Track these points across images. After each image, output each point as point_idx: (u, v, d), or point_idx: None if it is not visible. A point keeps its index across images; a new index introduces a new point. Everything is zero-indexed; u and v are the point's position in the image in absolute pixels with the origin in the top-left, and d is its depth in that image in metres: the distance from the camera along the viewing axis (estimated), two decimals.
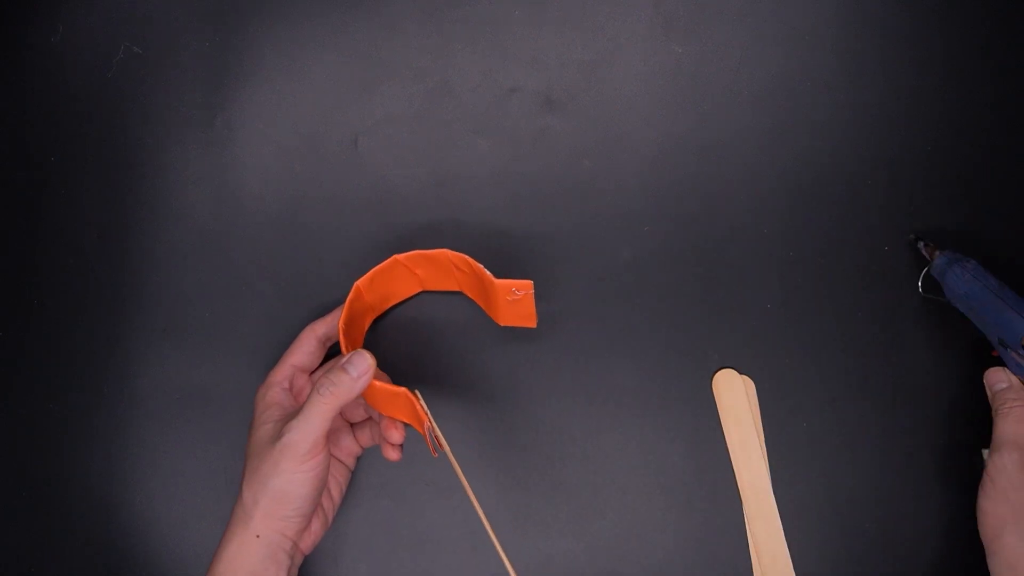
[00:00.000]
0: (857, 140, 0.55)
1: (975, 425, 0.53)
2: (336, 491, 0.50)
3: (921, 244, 0.53)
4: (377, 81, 0.56)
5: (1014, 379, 0.49)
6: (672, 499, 0.52)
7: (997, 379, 0.50)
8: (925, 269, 0.52)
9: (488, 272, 0.48)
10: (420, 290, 0.54)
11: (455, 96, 0.56)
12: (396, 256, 0.50)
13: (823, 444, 0.53)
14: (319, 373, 0.51)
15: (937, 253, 0.51)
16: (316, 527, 0.48)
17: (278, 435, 0.44)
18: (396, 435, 0.47)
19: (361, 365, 0.44)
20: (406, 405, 0.46)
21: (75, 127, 0.56)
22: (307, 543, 0.47)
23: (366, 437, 0.50)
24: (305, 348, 0.50)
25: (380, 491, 0.53)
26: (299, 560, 0.47)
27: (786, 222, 0.55)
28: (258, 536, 0.44)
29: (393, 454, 0.48)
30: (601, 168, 0.55)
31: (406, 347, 0.54)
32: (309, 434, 0.44)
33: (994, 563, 0.45)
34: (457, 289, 0.53)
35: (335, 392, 0.44)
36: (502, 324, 0.51)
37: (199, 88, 0.56)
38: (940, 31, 0.55)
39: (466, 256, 0.49)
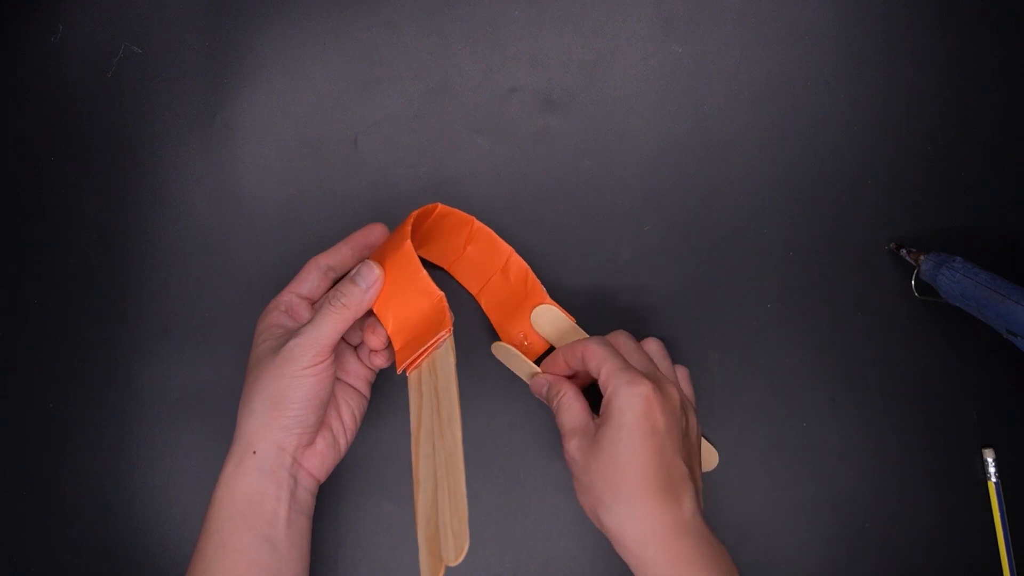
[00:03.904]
0: (857, 140, 0.55)
1: (975, 425, 0.53)
2: (348, 416, 0.48)
3: (904, 252, 0.52)
4: (377, 81, 0.56)
5: (550, 376, 0.48)
6: None
7: (539, 385, 0.48)
8: (915, 271, 0.52)
9: (543, 289, 0.51)
10: (446, 269, 0.54)
11: (455, 96, 0.56)
12: (473, 217, 0.51)
13: (823, 444, 0.53)
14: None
15: (922, 258, 0.51)
16: (322, 447, 0.46)
17: (280, 347, 0.44)
18: (376, 340, 0.47)
19: (369, 277, 0.45)
20: (426, 307, 0.45)
21: (75, 127, 0.56)
22: (314, 464, 0.45)
23: (380, 358, 0.49)
24: (305, 276, 0.48)
25: (380, 491, 0.53)
26: (308, 483, 0.45)
27: (786, 222, 0.55)
28: (255, 452, 0.43)
29: (379, 360, 0.48)
30: (601, 168, 0.55)
31: None
32: (315, 340, 0.43)
33: (614, 547, 0.43)
34: (476, 293, 0.53)
35: (345, 303, 0.44)
36: (504, 343, 0.52)
37: (199, 88, 0.56)
38: (940, 31, 0.55)
39: (529, 268, 0.51)
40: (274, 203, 0.55)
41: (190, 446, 0.53)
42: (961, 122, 0.55)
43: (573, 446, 0.44)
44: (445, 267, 0.54)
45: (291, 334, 0.44)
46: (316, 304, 0.49)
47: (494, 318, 0.53)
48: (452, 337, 0.44)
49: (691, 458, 0.44)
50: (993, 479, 0.52)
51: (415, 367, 0.46)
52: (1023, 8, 0.55)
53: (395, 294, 0.46)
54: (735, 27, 0.56)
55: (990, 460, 0.52)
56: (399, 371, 0.46)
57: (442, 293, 0.45)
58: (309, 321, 0.44)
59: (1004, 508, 0.52)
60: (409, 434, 0.45)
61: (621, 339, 0.47)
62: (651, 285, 0.54)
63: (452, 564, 0.40)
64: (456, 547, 0.41)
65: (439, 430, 0.44)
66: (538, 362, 0.50)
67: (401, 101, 0.56)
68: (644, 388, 0.42)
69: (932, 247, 0.51)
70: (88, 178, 0.56)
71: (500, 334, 0.52)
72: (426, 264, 0.53)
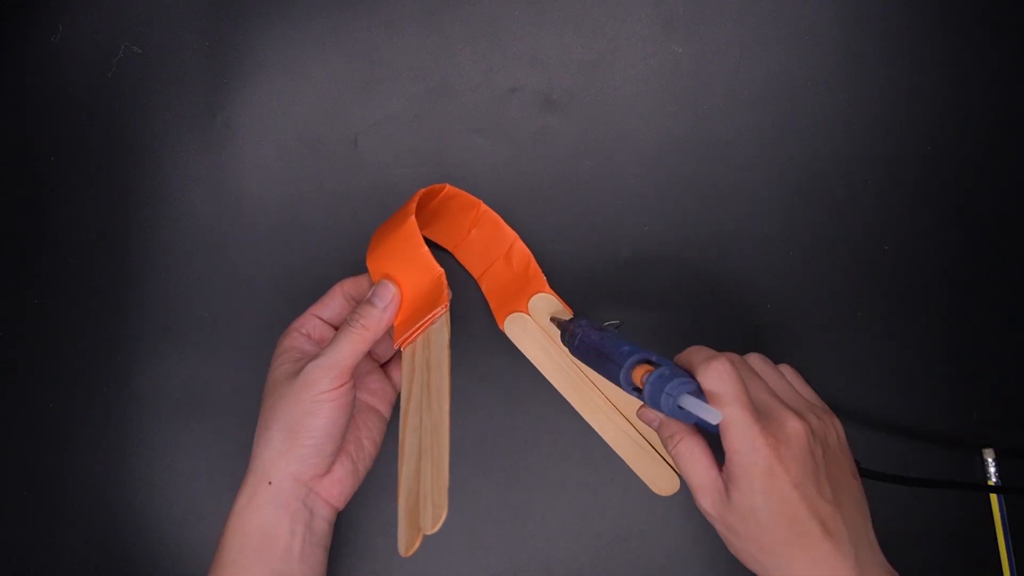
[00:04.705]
0: (857, 140, 0.55)
1: (975, 425, 0.53)
2: (369, 442, 0.47)
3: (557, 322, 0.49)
4: (377, 81, 0.56)
5: (660, 414, 0.43)
6: (672, 499, 0.52)
7: (648, 418, 0.44)
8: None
9: (543, 278, 0.51)
10: (451, 251, 0.54)
11: (455, 96, 0.56)
12: (480, 200, 0.52)
13: None
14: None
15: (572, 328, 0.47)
16: (341, 474, 0.45)
17: (298, 371, 0.43)
18: None
19: (386, 296, 0.45)
20: (426, 283, 0.45)
21: (75, 127, 0.56)
22: (332, 492, 0.44)
23: (399, 375, 0.48)
24: (328, 301, 0.48)
25: (380, 491, 0.53)
26: (325, 512, 0.44)
27: (786, 222, 0.55)
28: (270, 483, 0.42)
29: None
30: (601, 168, 0.55)
31: None
32: (335, 362, 0.42)
33: None
34: (477, 276, 0.53)
35: (364, 324, 0.44)
36: (502, 328, 0.52)
37: (199, 88, 0.56)
38: (940, 31, 0.55)
39: (531, 256, 0.52)
40: (274, 203, 0.55)
41: (190, 446, 0.53)
42: (961, 122, 0.55)
43: (707, 503, 0.41)
44: (449, 249, 0.54)
45: (309, 358, 0.44)
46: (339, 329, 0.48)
47: (494, 303, 0.53)
48: (448, 313, 0.45)
49: (837, 484, 0.40)
50: (993, 479, 0.52)
51: (410, 342, 0.46)
52: (1023, 8, 0.55)
53: (397, 270, 0.46)
54: (735, 27, 0.56)
55: (990, 460, 0.52)
56: (395, 346, 0.46)
57: (442, 270, 0.45)
58: (328, 344, 0.44)
59: (1004, 508, 0.52)
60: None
61: (755, 363, 0.43)
62: (651, 285, 0.54)
63: (429, 532, 0.40)
64: (434, 515, 0.40)
65: (427, 402, 0.43)
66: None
67: (401, 101, 0.56)
68: (765, 451, 0.38)
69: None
70: (88, 178, 0.56)
71: (498, 320, 0.52)
72: (431, 245, 0.53)
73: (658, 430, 0.43)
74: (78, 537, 0.53)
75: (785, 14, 0.56)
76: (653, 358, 0.40)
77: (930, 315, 0.54)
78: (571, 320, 0.47)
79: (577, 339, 0.45)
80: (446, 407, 0.42)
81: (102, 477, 0.53)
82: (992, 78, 0.55)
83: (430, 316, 0.45)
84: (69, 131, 0.56)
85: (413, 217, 0.46)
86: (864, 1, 0.56)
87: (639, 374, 0.40)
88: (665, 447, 0.43)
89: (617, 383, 0.41)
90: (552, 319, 0.49)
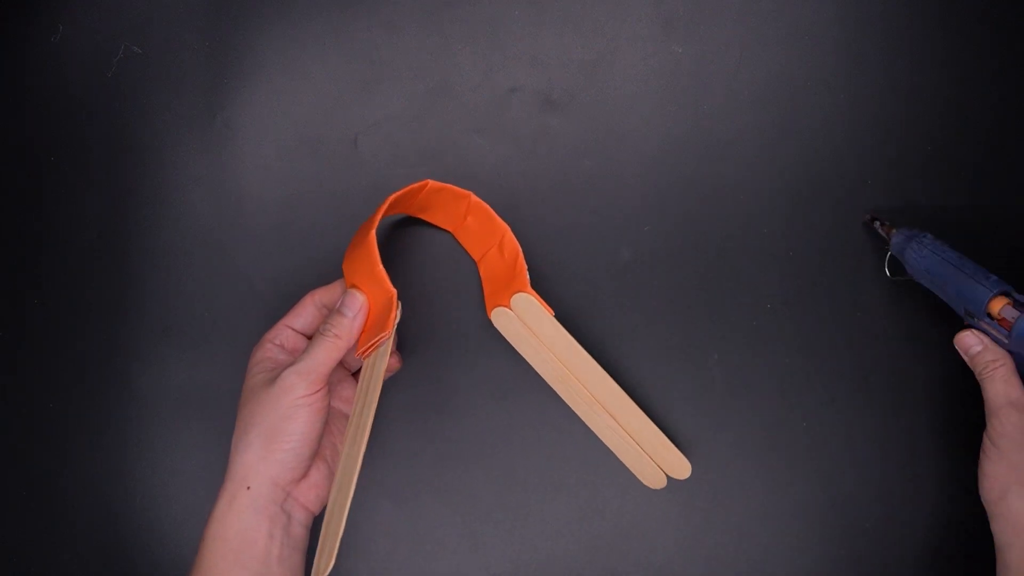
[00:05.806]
0: (857, 140, 0.55)
1: (975, 424, 0.53)
2: (343, 445, 0.48)
3: (877, 224, 0.52)
4: (377, 81, 0.56)
5: (986, 339, 0.47)
6: (672, 499, 0.53)
7: (969, 343, 0.48)
8: (888, 252, 0.52)
9: (527, 276, 0.50)
10: (452, 232, 0.54)
11: (455, 96, 0.56)
12: (470, 192, 0.52)
13: (823, 444, 0.53)
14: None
15: (894, 231, 0.51)
16: (317, 478, 0.46)
17: (275, 379, 0.44)
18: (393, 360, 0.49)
19: (354, 305, 0.46)
20: (382, 299, 0.46)
21: (75, 127, 0.56)
22: (309, 497, 0.45)
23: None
24: (300, 311, 0.49)
25: (380, 491, 0.53)
26: (302, 517, 0.45)
27: (786, 222, 0.55)
28: (249, 488, 0.43)
29: (392, 360, 0.49)
30: (601, 168, 0.55)
31: (408, 347, 0.54)
32: (311, 369, 0.44)
33: (997, 526, 0.45)
34: (477, 259, 0.54)
35: (337, 332, 0.45)
36: (490, 316, 0.52)
37: (199, 88, 0.56)
38: (940, 31, 0.55)
39: (520, 250, 0.51)
40: (274, 203, 0.55)
41: (190, 446, 0.53)
42: (961, 122, 0.55)
43: (1011, 421, 0.45)
44: (451, 231, 0.54)
45: (284, 366, 0.45)
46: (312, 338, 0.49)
47: (487, 290, 0.53)
48: (392, 340, 0.45)
49: None
50: None
51: (368, 354, 0.47)
52: (1023, 8, 0.55)
53: (361, 281, 0.47)
54: (735, 27, 0.56)
55: None
56: (356, 355, 0.47)
57: (394, 291, 0.46)
58: (304, 352, 0.45)
59: None
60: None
61: None
62: (651, 285, 0.54)
63: None
64: (324, 563, 0.41)
65: (351, 436, 0.44)
66: None
67: (401, 101, 0.56)
68: None
69: (906, 221, 0.51)
70: (88, 178, 0.56)
71: (488, 308, 0.52)
72: (433, 228, 0.54)
73: (976, 356, 0.47)
74: (78, 537, 0.53)
75: (785, 14, 0.56)
76: (1015, 295, 0.45)
77: (931, 315, 0.54)
78: (911, 229, 0.49)
79: (928, 247, 0.48)
80: (362, 449, 0.43)
81: (102, 477, 0.53)
82: (992, 78, 0.55)
83: (376, 340, 0.45)
84: (69, 131, 0.56)
85: (373, 233, 0.46)
86: (864, 1, 0.56)
87: (997, 305, 0.44)
88: (978, 374, 0.47)
89: (963, 304, 0.45)
90: (875, 221, 0.51)
